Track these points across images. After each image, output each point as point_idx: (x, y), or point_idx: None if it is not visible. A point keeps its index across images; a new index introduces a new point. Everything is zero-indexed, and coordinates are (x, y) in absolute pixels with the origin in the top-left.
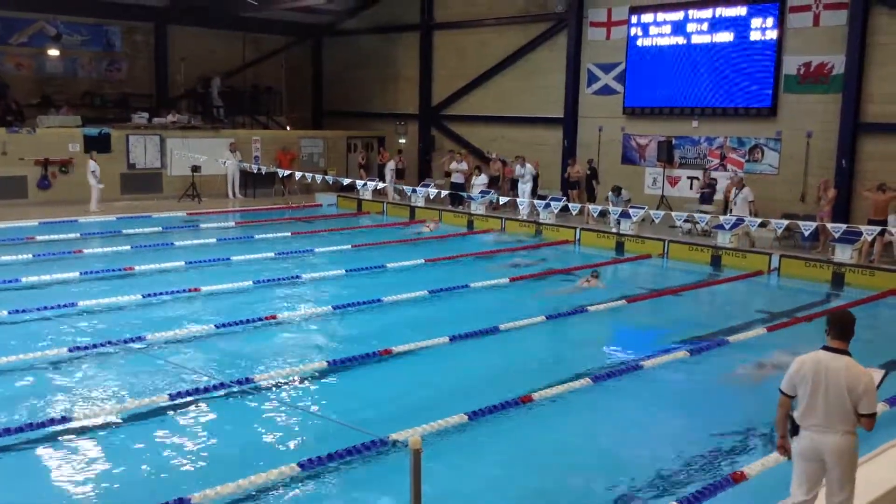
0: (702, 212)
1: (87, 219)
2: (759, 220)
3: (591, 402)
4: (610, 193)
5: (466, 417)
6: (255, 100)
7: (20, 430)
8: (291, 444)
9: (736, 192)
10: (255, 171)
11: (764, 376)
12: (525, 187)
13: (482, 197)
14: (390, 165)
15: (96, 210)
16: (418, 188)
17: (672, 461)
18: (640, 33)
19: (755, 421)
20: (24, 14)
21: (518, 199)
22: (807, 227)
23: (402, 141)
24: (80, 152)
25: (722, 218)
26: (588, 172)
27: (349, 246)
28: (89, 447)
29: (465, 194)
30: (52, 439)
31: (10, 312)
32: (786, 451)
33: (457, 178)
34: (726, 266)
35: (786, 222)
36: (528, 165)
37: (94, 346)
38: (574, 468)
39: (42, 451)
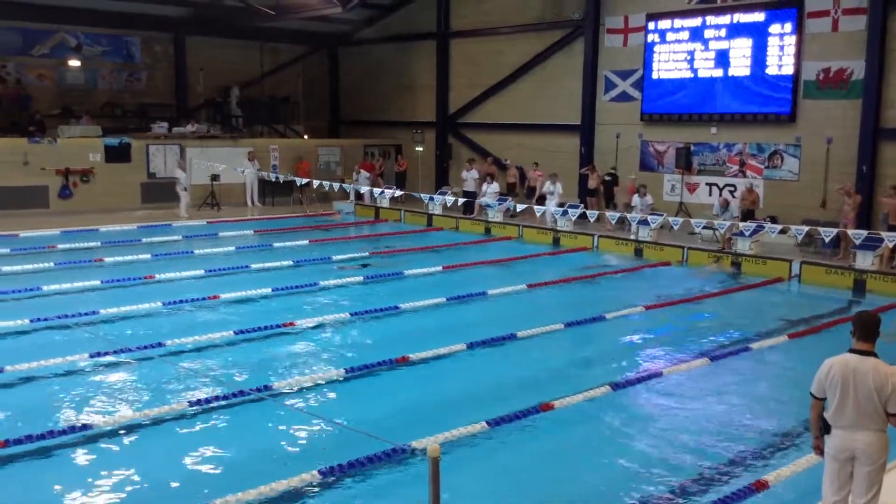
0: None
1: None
2: (779, 228)
3: (611, 410)
4: (636, 195)
5: (486, 425)
6: (273, 109)
7: (42, 437)
8: (311, 452)
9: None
10: (274, 180)
11: (786, 383)
12: (552, 206)
13: (499, 204)
14: (364, 174)
15: (184, 216)
16: (435, 196)
17: (693, 469)
18: (657, 40)
19: (778, 429)
20: (46, 26)
21: (536, 208)
22: (827, 233)
23: (420, 149)
24: (100, 162)
25: (741, 225)
26: (608, 178)
27: (367, 254)
28: (110, 454)
29: (482, 201)
30: (73, 446)
31: (31, 320)
32: (820, 450)
33: (468, 186)
34: (746, 273)
35: (806, 228)
36: (559, 184)
37: (115, 353)
38: (595, 477)
39: (63, 457)
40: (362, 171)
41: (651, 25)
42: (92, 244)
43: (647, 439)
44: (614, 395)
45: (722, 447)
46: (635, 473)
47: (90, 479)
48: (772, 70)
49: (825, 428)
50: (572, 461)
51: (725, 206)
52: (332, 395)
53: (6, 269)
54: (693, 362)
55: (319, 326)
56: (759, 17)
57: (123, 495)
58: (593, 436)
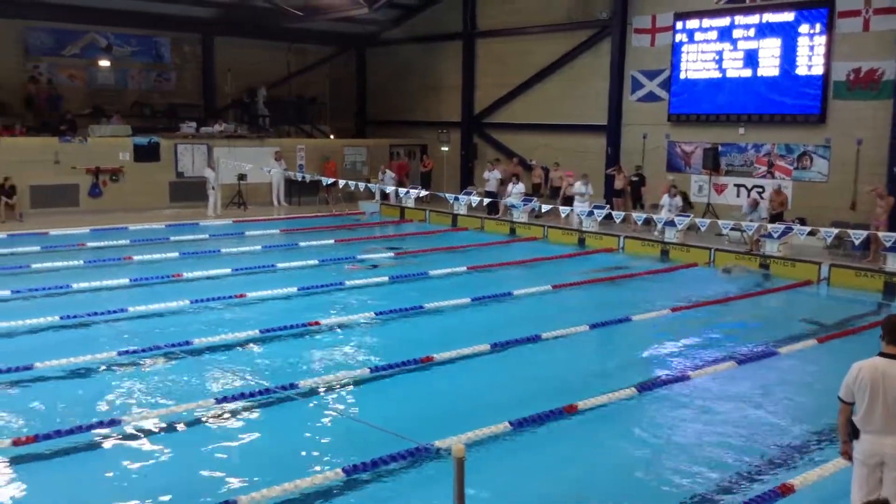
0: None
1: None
2: (808, 230)
3: (636, 413)
4: (665, 195)
5: (510, 426)
6: (300, 109)
7: (70, 432)
8: (335, 450)
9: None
10: (300, 180)
11: (815, 387)
12: (584, 206)
13: (524, 205)
14: (390, 174)
15: (212, 215)
16: (460, 196)
17: (719, 473)
18: (685, 39)
19: (805, 433)
20: (77, 27)
21: (561, 208)
22: (857, 235)
23: (445, 149)
24: (129, 161)
25: (770, 227)
26: (635, 179)
27: (392, 253)
28: (138, 450)
29: (507, 202)
30: (101, 442)
31: (61, 317)
32: (848, 455)
33: (490, 187)
34: (775, 275)
35: (835, 231)
36: (590, 185)
37: (143, 350)
38: (617, 479)
39: (92, 453)
40: (388, 171)
41: (679, 25)
42: (121, 242)
43: (673, 442)
44: (640, 397)
45: (748, 450)
46: (660, 476)
47: (117, 475)
48: (801, 70)
49: (854, 432)
50: (596, 464)
51: (755, 206)
52: (356, 394)
53: (37, 266)
54: (720, 365)
55: (344, 326)
56: (788, 16)
57: (148, 491)
58: (617, 438)
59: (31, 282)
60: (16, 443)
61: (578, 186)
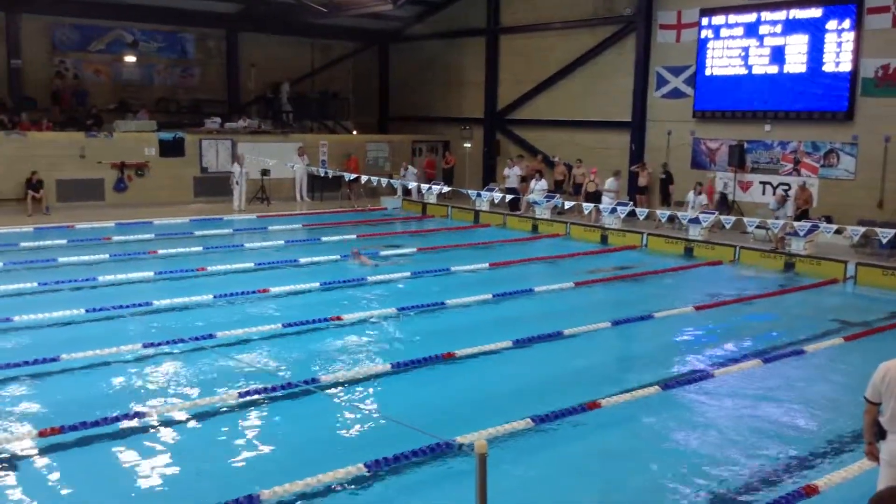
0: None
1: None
2: (834, 228)
3: (659, 411)
4: (691, 192)
5: (531, 422)
6: (323, 105)
7: (96, 423)
8: (357, 444)
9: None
10: (322, 175)
11: (840, 387)
12: (612, 201)
13: (546, 201)
14: (412, 170)
15: (235, 209)
16: (482, 192)
17: (742, 472)
18: (710, 35)
19: (831, 433)
20: (103, 23)
21: (584, 205)
22: (885, 234)
23: (467, 145)
24: (155, 156)
25: (796, 224)
26: (663, 176)
27: (414, 249)
28: (161, 442)
29: (530, 198)
30: (125, 434)
31: (87, 310)
32: (874, 456)
33: (510, 183)
34: (800, 274)
35: (862, 229)
36: (619, 181)
37: (167, 343)
38: (640, 477)
39: (115, 445)
40: (410, 167)
41: (705, 21)
42: (146, 236)
43: (696, 441)
44: (663, 395)
45: (772, 450)
46: (682, 475)
47: (140, 466)
48: (828, 67)
49: (880, 433)
50: (618, 461)
51: (782, 202)
52: (378, 389)
53: (63, 259)
54: (745, 363)
55: (366, 321)
56: (815, 12)
57: (171, 483)
58: (640, 436)
59: (58, 275)
60: (42, 434)
61: (610, 183)
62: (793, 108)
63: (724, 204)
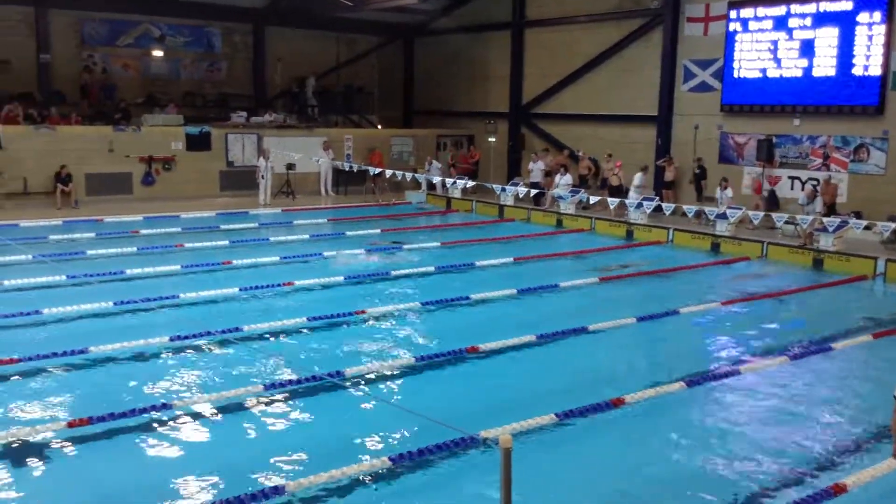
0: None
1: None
2: (864, 223)
3: (684, 407)
4: (717, 188)
5: (556, 417)
6: (348, 99)
7: (123, 415)
8: (382, 438)
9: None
10: (347, 169)
11: (869, 384)
12: (639, 197)
13: (571, 196)
14: (436, 165)
15: (261, 203)
16: (507, 187)
17: (769, 470)
18: (739, 29)
19: (859, 431)
20: (131, 17)
21: (609, 200)
22: None
23: (492, 140)
24: (181, 150)
25: (825, 220)
26: (697, 171)
27: (438, 243)
28: (187, 434)
29: (554, 193)
30: (151, 425)
31: (115, 303)
32: None
33: (534, 177)
34: (829, 270)
35: (893, 225)
36: (647, 177)
37: (194, 336)
38: (664, 474)
39: (142, 436)
40: (434, 161)
41: (733, 14)
42: (173, 230)
43: (721, 438)
44: (689, 391)
45: (799, 448)
46: (708, 472)
47: (167, 458)
48: (859, 61)
49: None
50: (642, 458)
51: (812, 197)
52: (402, 382)
53: (91, 252)
54: (772, 360)
55: (391, 315)
56: (846, 5)
57: (197, 474)
58: (665, 433)
59: (86, 268)
60: (71, 424)
61: (638, 178)
62: (822, 103)
63: (774, 202)
